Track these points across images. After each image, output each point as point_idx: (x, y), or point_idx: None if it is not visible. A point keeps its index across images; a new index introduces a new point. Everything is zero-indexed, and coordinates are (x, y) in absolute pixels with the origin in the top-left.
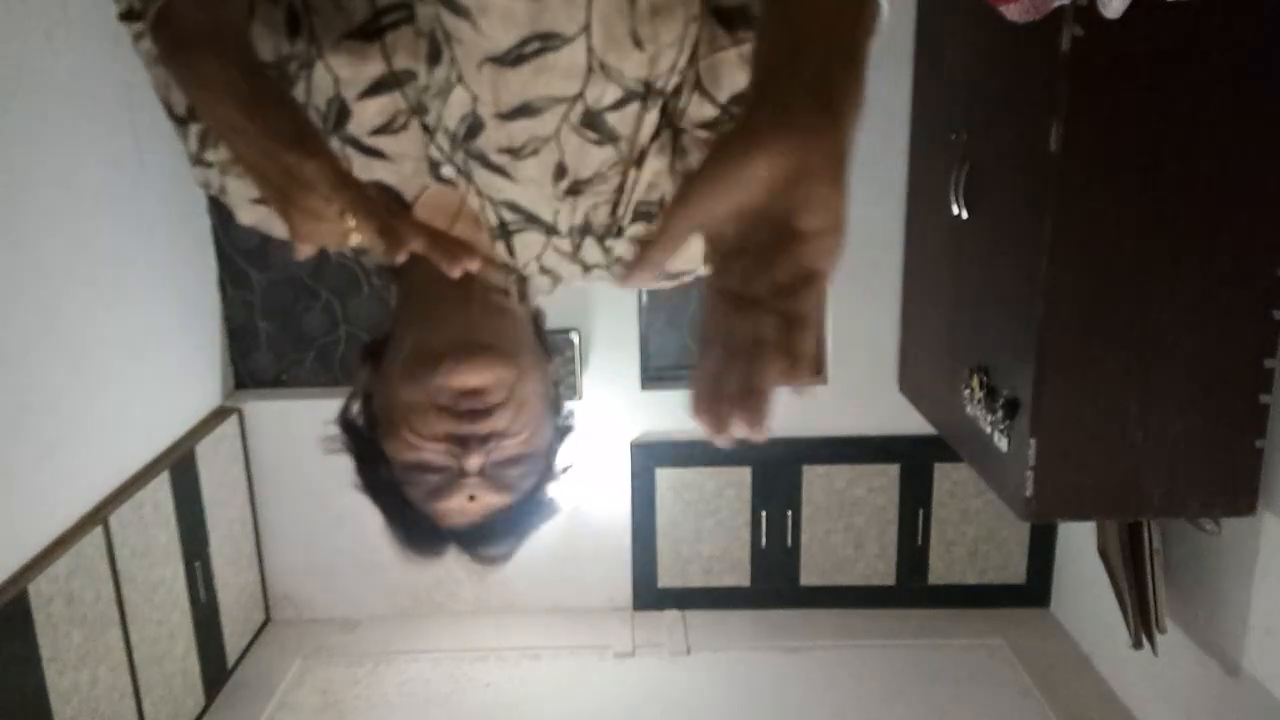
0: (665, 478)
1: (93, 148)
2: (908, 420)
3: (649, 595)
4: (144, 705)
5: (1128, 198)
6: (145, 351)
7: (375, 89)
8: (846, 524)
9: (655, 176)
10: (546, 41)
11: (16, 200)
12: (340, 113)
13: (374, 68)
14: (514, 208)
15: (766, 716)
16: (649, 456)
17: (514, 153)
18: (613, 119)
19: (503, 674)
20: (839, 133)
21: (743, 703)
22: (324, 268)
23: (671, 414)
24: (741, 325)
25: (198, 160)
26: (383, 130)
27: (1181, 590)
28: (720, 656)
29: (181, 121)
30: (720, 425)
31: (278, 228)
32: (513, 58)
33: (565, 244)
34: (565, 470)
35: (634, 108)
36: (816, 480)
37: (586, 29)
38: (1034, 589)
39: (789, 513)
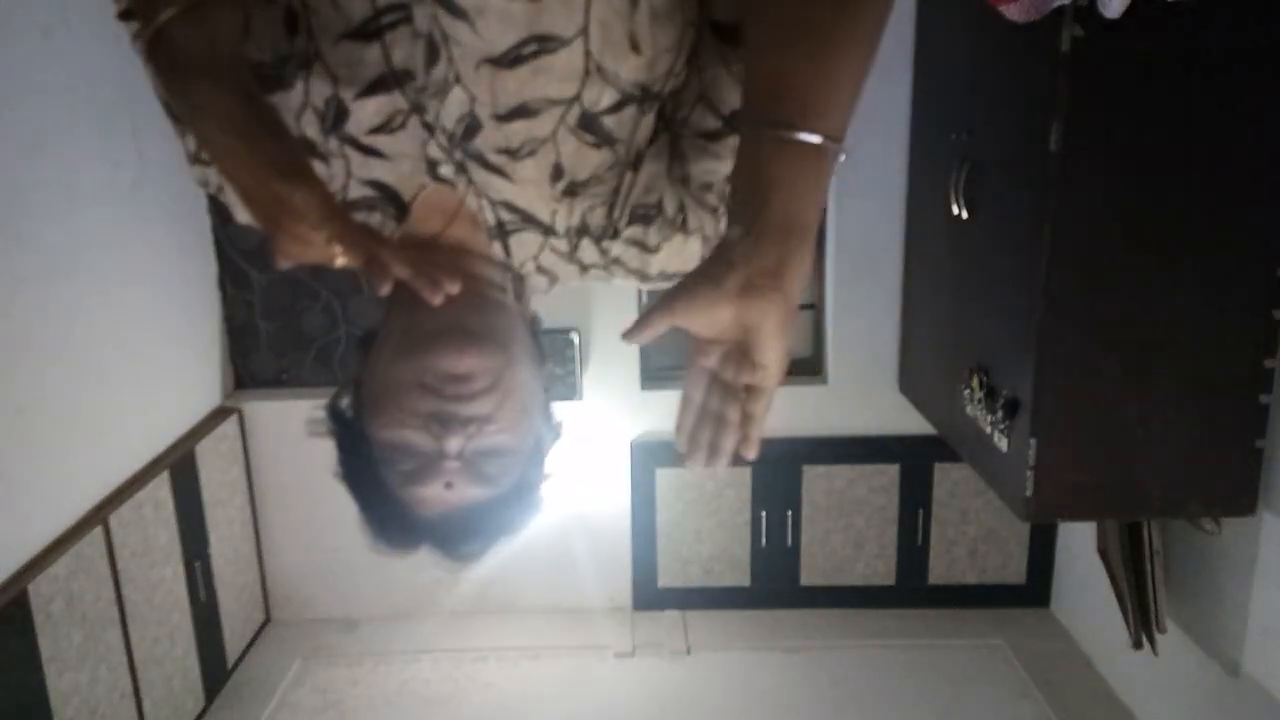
0: (665, 478)
1: (93, 148)
2: (908, 420)
3: (649, 595)
4: (144, 705)
5: (1128, 198)
6: (145, 351)
7: (373, 89)
8: (846, 524)
9: (652, 179)
10: (544, 43)
11: (16, 200)
12: (338, 112)
13: (372, 68)
14: (511, 208)
15: (766, 716)
16: (649, 456)
17: (511, 153)
18: (609, 122)
19: (503, 674)
20: (786, 303)
21: (743, 703)
22: (324, 267)
23: (671, 414)
24: (711, 399)
25: (196, 159)
26: (381, 129)
27: (1181, 590)
28: (720, 656)
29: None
30: (696, 453)
31: None
32: (510, 59)
33: (562, 244)
34: (548, 477)
35: (631, 111)
36: (816, 480)
37: (584, 32)
38: (1034, 589)
39: (789, 513)
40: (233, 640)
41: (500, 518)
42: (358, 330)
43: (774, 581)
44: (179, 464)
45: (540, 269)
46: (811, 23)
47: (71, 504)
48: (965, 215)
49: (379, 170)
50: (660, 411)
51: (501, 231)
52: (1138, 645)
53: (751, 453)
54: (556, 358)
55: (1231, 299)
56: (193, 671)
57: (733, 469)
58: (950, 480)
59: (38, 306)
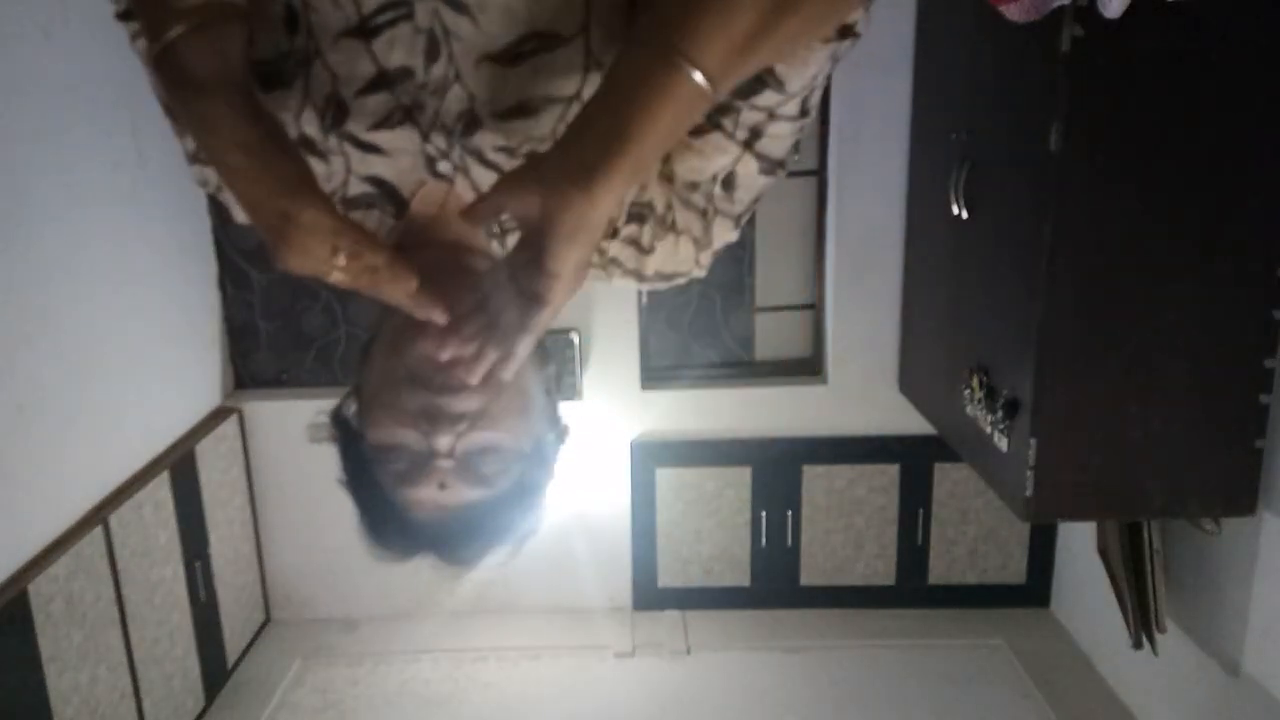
0: (665, 478)
1: (93, 148)
2: (908, 420)
3: (649, 595)
4: (144, 705)
5: (1128, 198)
6: (145, 351)
7: (373, 86)
8: (846, 524)
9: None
10: (545, 41)
11: (16, 200)
12: (338, 109)
13: (371, 65)
14: None
15: (766, 716)
16: (649, 456)
17: (510, 151)
18: None
19: (503, 674)
20: (588, 207)
21: (743, 703)
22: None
23: (671, 414)
24: (498, 297)
25: (195, 159)
26: (380, 126)
27: (1181, 590)
28: (720, 656)
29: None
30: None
31: None
32: (511, 56)
33: None
34: (552, 480)
35: None
36: (816, 480)
37: (585, 29)
38: (1034, 589)
39: (789, 513)
40: (233, 640)
41: (498, 520)
42: (358, 330)
43: (774, 581)
44: (179, 464)
45: None
46: None
47: (71, 504)
48: (965, 215)
49: (378, 167)
50: (660, 411)
51: (500, 229)
52: (1138, 645)
53: (509, 369)
54: (556, 358)
55: (1231, 299)
56: (193, 671)
57: (732, 469)
58: (950, 480)
59: (38, 306)
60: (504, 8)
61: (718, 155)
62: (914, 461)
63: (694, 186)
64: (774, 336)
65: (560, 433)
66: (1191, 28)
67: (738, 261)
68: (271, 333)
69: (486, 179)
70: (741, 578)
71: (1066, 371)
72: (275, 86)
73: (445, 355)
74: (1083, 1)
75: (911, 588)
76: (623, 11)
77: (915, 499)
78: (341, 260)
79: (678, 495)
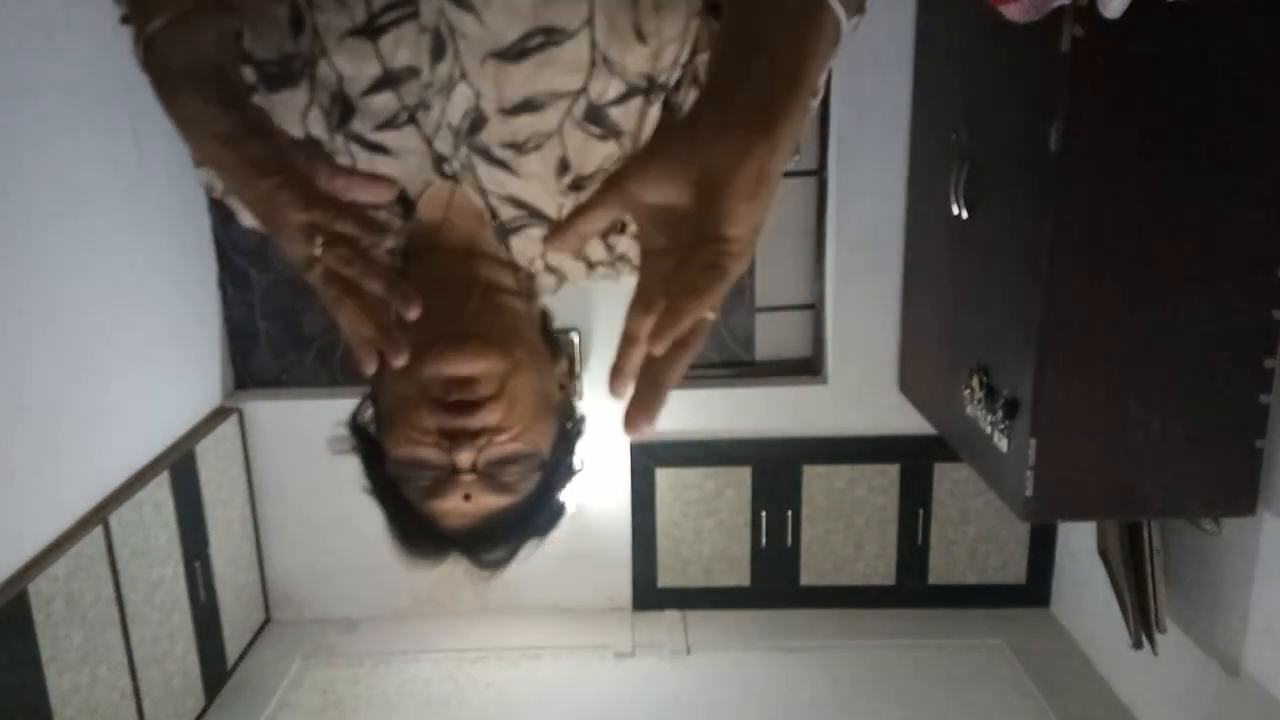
0: (665, 478)
1: (93, 148)
2: (908, 420)
3: (649, 595)
4: (144, 705)
5: (1128, 198)
6: (145, 351)
7: (378, 86)
8: (846, 524)
9: None
10: (550, 35)
11: (16, 200)
12: (344, 109)
13: (377, 64)
14: (518, 203)
15: (766, 716)
16: (649, 456)
17: (517, 148)
18: (615, 114)
19: (503, 674)
20: (769, 153)
21: (743, 703)
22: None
23: (671, 414)
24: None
25: (200, 162)
26: (386, 126)
27: (1181, 590)
28: (720, 656)
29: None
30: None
31: None
32: (516, 52)
33: None
34: (573, 475)
35: (637, 102)
36: (816, 480)
37: (590, 22)
38: (1034, 589)
39: (789, 513)
40: (233, 640)
41: (525, 523)
42: None
43: (774, 581)
44: (179, 464)
45: (548, 267)
46: None
47: (71, 504)
48: (965, 215)
49: (385, 168)
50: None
51: (507, 229)
52: (1138, 645)
53: (661, 345)
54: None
55: (1231, 299)
56: (193, 671)
57: (732, 469)
58: (950, 480)
59: (38, 306)
60: (508, 4)
61: None
62: (914, 461)
63: None
64: (774, 336)
65: (578, 424)
66: (1191, 28)
67: None
68: (271, 333)
69: (493, 177)
70: (741, 578)
71: (1066, 371)
72: (281, 87)
73: (463, 371)
74: (1083, 1)
75: (911, 588)
76: (626, 5)
77: (915, 499)
78: (318, 248)
79: (677, 495)
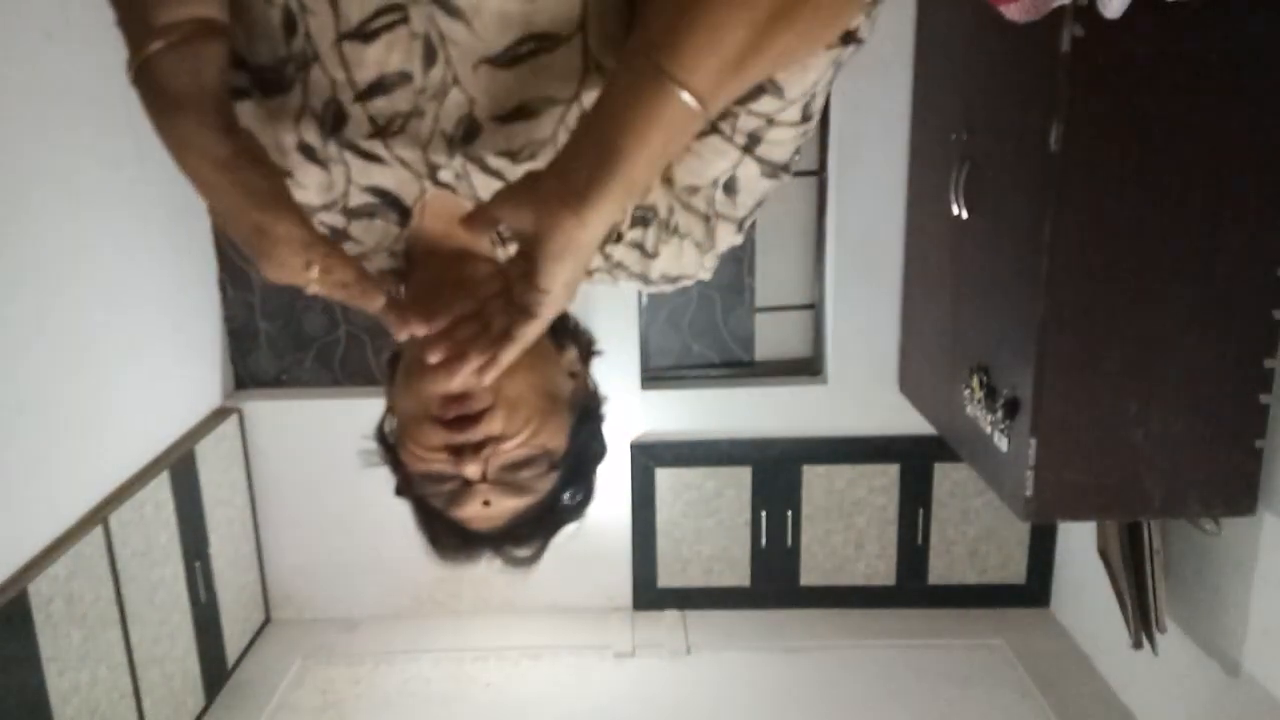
0: (665, 478)
1: (93, 148)
2: (908, 420)
3: (649, 595)
4: (144, 705)
5: (1128, 198)
6: (145, 351)
7: (371, 92)
8: (846, 524)
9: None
10: (542, 42)
11: (16, 200)
12: (337, 116)
13: (370, 70)
14: None
15: (766, 716)
16: (649, 456)
17: (511, 155)
18: None
19: (503, 674)
20: (577, 227)
21: (743, 703)
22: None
23: (671, 414)
24: (491, 303)
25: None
26: (379, 134)
27: (1181, 590)
28: (720, 656)
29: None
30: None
31: None
32: (508, 59)
33: None
34: (600, 458)
35: None
36: (816, 480)
37: (582, 29)
38: (1034, 589)
39: (789, 513)
40: (233, 640)
41: (551, 516)
42: (358, 330)
43: (774, 581)
44: (179, 464)
45: None
46: None
47: (71, 504)
48: (965, 215)
49: (379, 176)
50: (660, 411)
51: (502, 238)
52: (1138, 645)
53: (490, 375)
54: (579, 339)
55: (1231, 299)
56: (193, 671)
57: (732, 469)
58: (950, 480)
59: (37, 307)
60: (499, 11)
61: (717, 159)
62: (914, 461)
63: (694, 190)
64: (774, 336)
65: (597, 409)
66: (1191, 28)
67: (738, 261)
68: (271, 333)
69: (488, 185)
70: (741, 578)
71: (1066, 371)
72: (274, 92)
73: (455, 387)
74: (1083, 1)
75: (911, 588)
76: (620, 11)
77: (915, 499)
78: (314, 272)
79: (677, 495)
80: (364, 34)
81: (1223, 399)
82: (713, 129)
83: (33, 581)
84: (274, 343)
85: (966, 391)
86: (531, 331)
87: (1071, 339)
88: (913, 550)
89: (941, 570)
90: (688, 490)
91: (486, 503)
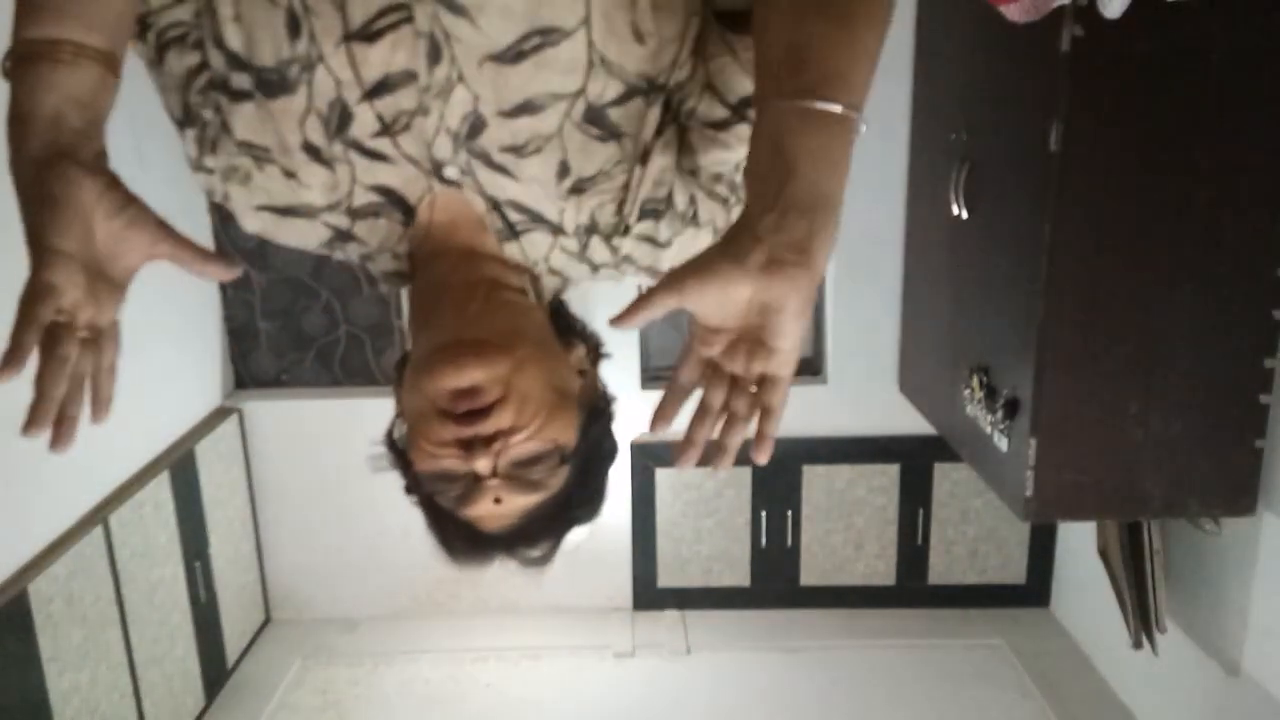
0: (665, 478)
1: None
2: (908, 420)
3: (649, 595)
4: (144, 705)
5: (1128, 198)
6: (145, 351)
7: (376, 91)
8: (846, 524)
9: (661, 173)
10: (546, 36)
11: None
12: (342, 116)
13: (375, 70)
14: (519, 207)
15: (766, 716)
16: (649, 456)
17: (517, 151)
18: (615, 115)
19: (503, 674)
20: (812, 282)
21: (743, 703)
22: (324, 268)
23: None
24: (713, 394)
25: (198, 166)
26: (385, 132)
27: (1181, 590)
28: (720, 656)
29: (181, 125)
30: (691, 451)
31: (282, 235)
32: (512, 54)
33: (572, 244)
34: (611, 457)
35: (637, 103)
36: (816, 480)
37: (586, 22)
38: (1034, 589)
39: (789, 513)
40: (233, 640)
41: (564, 515)
42: (358, 330)
43: (774, 581)
44: (179, 464)
45: (552, 270)
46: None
47: (71, 504)
48: (965, 215)
49: (384, 175)
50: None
51: (512, 232)
52: (1138, 645)
53: (765, 454)
54: (586, 339)
55: (1231, 299)
56: (193, 671)
57: (732, 469)
58: (950, 480)
59: None
60: (502, 8)
61: (741, 146)
62: (914, 461)
63: (718, 178)
64: None
65: (606, 407)
66: (1191, 28)
67: None
68: (271, 333)
69: (493, 182)
70: (741, 578)
71: (1066, 371)
72: (277, 93)
73: (464, 381)
74: (1083, 1)
75: (911, 588)
76: (623, 3)
77: (915, 499)
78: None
79: (677, 495)
80: (368, 34)
81: (1223, 399)
82: (741, 118)
83: (33, 581)
84: (274, 343)
85: (966, 391)
86: (785, 394)
87: (1071, 339)
88: (913, 550)
89: (941, 570)
90: (687, 490)
91: (498, 500)
